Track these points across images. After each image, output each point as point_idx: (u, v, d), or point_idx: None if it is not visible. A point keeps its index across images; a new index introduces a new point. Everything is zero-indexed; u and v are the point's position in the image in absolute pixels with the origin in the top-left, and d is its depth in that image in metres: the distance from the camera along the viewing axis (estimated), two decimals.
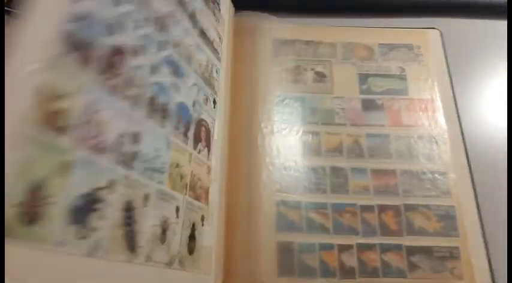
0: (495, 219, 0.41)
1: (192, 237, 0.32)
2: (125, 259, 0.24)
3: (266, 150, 0.42)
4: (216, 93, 0.39)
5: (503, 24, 0.52)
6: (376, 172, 0.42)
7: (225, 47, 0.43)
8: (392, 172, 0.42)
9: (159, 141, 0.28)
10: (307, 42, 0.48)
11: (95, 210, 0.22)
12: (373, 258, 0.39)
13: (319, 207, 0.40)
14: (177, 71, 0.32)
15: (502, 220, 0.41)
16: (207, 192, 0.35)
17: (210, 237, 0.35)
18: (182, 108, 0.32)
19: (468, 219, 0.41)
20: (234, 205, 0.40)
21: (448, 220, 0.41)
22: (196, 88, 0.35)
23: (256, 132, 0.43)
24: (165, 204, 0.28)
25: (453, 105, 0.46)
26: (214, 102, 0.38)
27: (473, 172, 0.43)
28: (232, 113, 0.43)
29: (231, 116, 0.42)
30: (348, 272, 0.38)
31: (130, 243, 0.24)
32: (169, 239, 0.28)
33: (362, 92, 0.46)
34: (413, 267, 0.39)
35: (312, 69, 0.47)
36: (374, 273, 0.38)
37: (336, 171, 0.42)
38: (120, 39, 0.25)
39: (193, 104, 0.34)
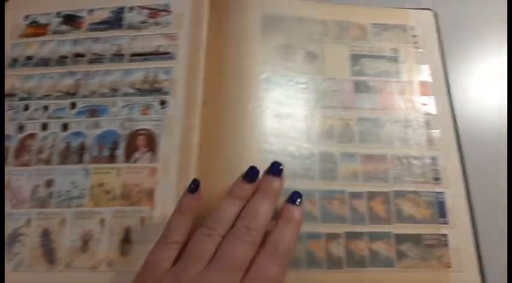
0: (485, 206, 0.40)
1: (126, 240, 0.37)
2: (45, 270, 0.36)
3: (252, 133, 0.40)
4: (167, 93, 0.42)
5: (500, 2, 0.50)
6: (367, 158, 0.41)
7: (196, 24, 0.43)
8: (383, 158, 0.41)
9: (74, 175, 0.39)
10: (299, 20, 0.46)
11: (17, 241, 0.37)
12: (361, 247, 0.38)
13: (307, 195, 0.39)
14: (95, 112, 0.42)
15: (493, 208, 0.41)
16: (150, 193, 0.38)
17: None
18: (105, 135, 0.41)
19: (457, 205, 0.40)
20: (213, 191, 0.38)
21: (437, 207, 0.40)
22: (128, 107, 0.41)
23: (242, 114, 0.41)
24: (85, 221, 0.38)
25: (446, 88, 0.45)
26: (163, 102, 0.41)
27: (464, 158, 0.42)
28: (216, 93, 0.41)
29: (214, 98, 0.40)
30: (335, 262, 0.37)
31: (50, 257, 0.36)
32: (93, 247, 0.37)
33: (354, 73, 0.44)
34: (401, 255, 0.38)
35: (303, 49, 0.44)
36: (361, 262, 0.37)
37: (325, 156, 0.41)
38: (32, 127, 0.42)
39: (122, 124, 0.41)
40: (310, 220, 0.38)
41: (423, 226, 0.39)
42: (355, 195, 0.40)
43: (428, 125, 0.43)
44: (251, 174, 0.34)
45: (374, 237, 0.38)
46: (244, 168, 0.35)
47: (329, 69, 0.44)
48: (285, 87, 0.43)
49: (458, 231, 0.39)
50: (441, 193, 0.40)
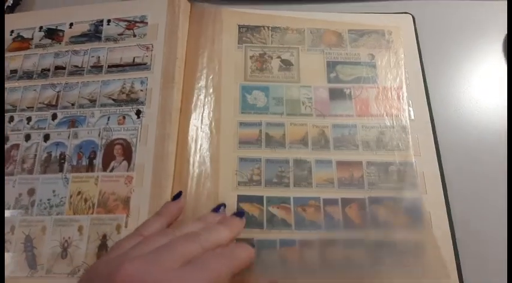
0: (464, 212, 0.40)
1: (102, 247, 0.38)
2: (26, 275, 0.37)
3: (228, 141, 0.41)
4: (142, 103, 0.42)
5: (480, 4, 0.50)
6: (342, 164, 0.41)
7: (171, 35, 0.44)
8: (358, 164, 0.41)
9: (54, 184, 0.40)
10: (274, 29, 0.46)
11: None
12: (336, 254, 0.38)
13: (282, 202, 0.39)
14: (75, 123, 0.43)
15: (471, 213, 0.40)
16: (126, 201, 0.39)
17: None
18: (84, 145, 0.42)
19: (435, 212, 0.40)
20: (189, 198, 0.38)
21: (414, 214, 0.40)
22: (106, 117, 0.42)
23: (218, 122, 0.41)
24: (65, 228, 0.39)
25: (424, 94, 0.44)
26: (139, 112, 0.42)
27: (442, 163, 0.42)
28: (191, 102, 0.41)
29: (189, 107, 0.41)
30: (309, 268, 0.37)
31: (31, 263, 0.38)
32: (72, 254, 0.38)
33: (330, 80, 0.44)
34: (376, 262, 0.38)
35: (278, 57, 0.45)
36: (336, 268, 0.37)
37: (299, 163, 0.41)
38: (15, 138, 0.43)
39: (100, 134, 0.42)
40: (284, 227, 0.38)
41: (399, 232, 0.39)
42: (330, 202, 0.39)
43: (405, 130, 0.43)
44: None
45: (348, 243, 0.38)
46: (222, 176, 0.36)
47: (304, 76, 0.44)
48: (260, 95, 0.43)
49: (435, 238, 0.39)
50: (418, 199, 0.40)
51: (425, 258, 0.38)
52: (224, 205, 0.38)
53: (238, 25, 0.46)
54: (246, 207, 0.39)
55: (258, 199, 0.39)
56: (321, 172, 0.40)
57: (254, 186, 0.39)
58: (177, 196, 0.37)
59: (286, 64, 0.45)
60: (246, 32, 0.46)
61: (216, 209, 0.38)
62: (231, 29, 0.45)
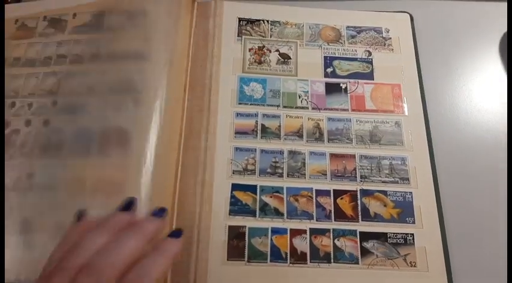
0: (454, 206, 0.41)
1: None
2: (24, 256, 0.37)
3: (224, 131, 0.41)
4: (140, 92, 0.42)
5: (477, 5, 0.50)
6: (335, 157, 0.42)
7: (170, 28, 0.44)
8: (351, 157, 0.42)
9: (53, 169, 0.40)
10: (273, 22, 0.47)
11: None
12: (326, 244, 0.38)
13: (275, 191, 0.40)
14: (74, 110, 0.43)
15: (461, 209, 0.41)
16: (121, 187, 0.39)
17: None
18: (82, 131, 0.41)
19: (425, 205, 0.40)
20: (185, 187, 0.39)
21: (405, 207, 0.40)
22: (104, 105, 0.42)
23: (215, 112, 0.42)
24: (63, 212, 0.36)
25: (419, 91, 0.45)
26: (136, 101, 0.42)
27: (434, 159, 0.42)
28: (189, 91, 0.42)
29: (187, 96, 0.42)
30: (299, 257, 0.38)
31: (29, 244, 0.38)
32: None
33: (326, 75, 0.45)
34: (366, 252, 0.38)
35: (277, 50, 0.45)
36: (326, 258, 0.38)
37: (294, 154, 0.41)
38: (16, 123, 0.43)
39: (98, 121, 0.41)
40: (276, 216, 0.39)
41: (389, 225, 0.40)
42: (322, 193, 0.40)
43: (399, 126, 0.43)
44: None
45: (338, 233, 0.39)
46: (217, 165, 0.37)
47: (302, 70, 0.45)
48: (257, 87, 0.44)
49: (425, 231, 0.40)
50: (409, 193, 0.41)
51: (413, 251, 0.39)
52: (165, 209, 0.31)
53: (238, 18, 0.46)
54: (239, 195, 0.39)
55: (252, 188, 0.40)
56: (315, 164, 0.41)
57: (248, 175, 0.40)
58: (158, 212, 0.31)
59: (284, 57, 0.45)
60: (246, 25, 0.46)
61: (157, 213, 0.30)
62: (231, 21, 0.46)
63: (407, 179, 0.41)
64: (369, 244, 0.39)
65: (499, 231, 0.40)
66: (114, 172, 0.39)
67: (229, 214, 0.39)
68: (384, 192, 0.41)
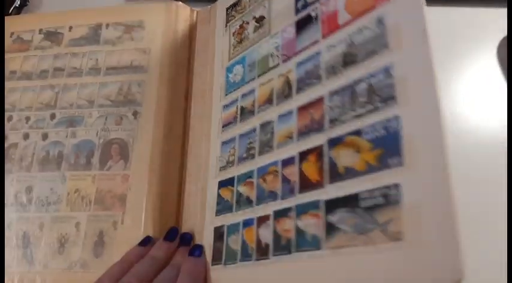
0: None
1: (99, 243, 0.38)
2: (24, 270, 0.38)
3: (215, 128, 0.39)
4: (140, 104, 0.43)
5: (474, 11, 0.48)
6: (303, 110, 0.31)
7: (167, 40, 0.45)
8: (319, 102, 0.30)
9: (52, 182, 0.41)
10: None
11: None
12: (288, 228, 0.28)
13: (248, 177, 0.33)
14: (73, 123, 0.43)
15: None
16: (122, 198, 0.39)
17: (133, 231, 0.37)
18: (82, 144, 0.42)
19: (420, 131, 0.23)
20: (187, 198, 0.39)
21: (387, 143, 0.25)
22: (103, 118, 0.43)
23: (208, 118, 0.40)
24: (62, 225, 0.39)
25: None
26: (135, 113, 0.42)
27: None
28: (186, 102, 0.43)
29: (184, 106, 0.43)
30: (263, 251, 0.30)
31: (29, 258, 0.38)
32: (69, 249, 0.38)
33: (297, 10, 0.35)
34: (331, 230, 0.26)
35: (254, 18, 0.39)
36: (287, 248, 0.28)
37: (264, 127, 0.34)
38: (14, 137, 0.44)
39: (98, 133, 0.42)
40: (247, 206, 0.32)
41: (364, 178, 0.25)
42: (288, 162, 0.30)
43: (381, 22, 0.27)
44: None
45: (301, 210, 0.28)
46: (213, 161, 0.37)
47: (274, 23, 0.37)
48: (238, 69, 0.39)
49: (418, 175, 0.22)
50: (395, 118, 0.25)
51: (399, 213, 0.23)
52: (177, 230, 0.37)
53: (226, 9, 0.43)
54: (223, 192, 0.35)
55: (231, 182, 0.35)
56: (283, 129, 0.32)
57: (230, 168, 0.36)
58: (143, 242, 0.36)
59: (260, 20, 0.38)
60: (231, 11, 0.43)
61: (169, 237, 0.36)
62: (221, 17, 0.44)
63: (393, 97, 0.25)
64: (335, 217, 0.26)
65: None
66: (114, 185, 0.40)
67: (216, 215, 0.35)
68: (358, 132, 0.26)
